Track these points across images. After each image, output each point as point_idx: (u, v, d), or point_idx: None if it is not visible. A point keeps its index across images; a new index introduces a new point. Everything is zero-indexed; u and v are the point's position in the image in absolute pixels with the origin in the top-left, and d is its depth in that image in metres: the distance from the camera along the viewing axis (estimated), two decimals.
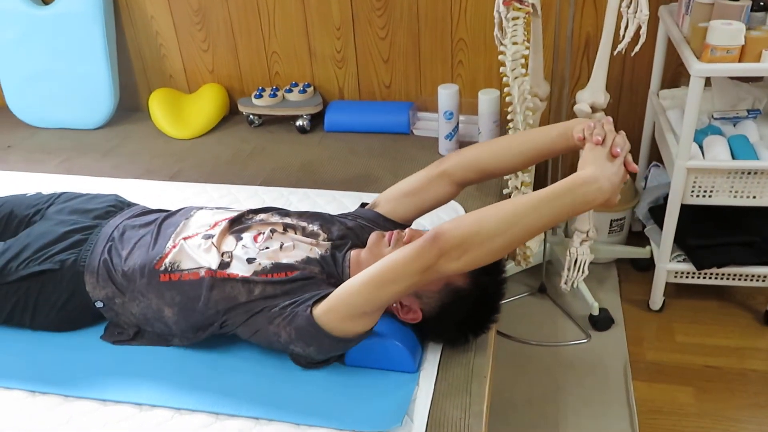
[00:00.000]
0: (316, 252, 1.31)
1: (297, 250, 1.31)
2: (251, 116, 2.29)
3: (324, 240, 1.36)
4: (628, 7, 1.50)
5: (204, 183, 1.95)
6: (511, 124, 1.64)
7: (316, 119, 2.25)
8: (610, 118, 1.18)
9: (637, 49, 1.52)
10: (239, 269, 1.26)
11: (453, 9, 2.08)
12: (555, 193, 1.08)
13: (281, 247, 1.31)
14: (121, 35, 2.37)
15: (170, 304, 1.27)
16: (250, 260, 1.27)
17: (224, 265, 1.27)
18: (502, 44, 1.58)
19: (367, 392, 1.20)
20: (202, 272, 1.26)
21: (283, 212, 1.43)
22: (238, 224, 1.38)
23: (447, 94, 1.94)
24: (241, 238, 1.33)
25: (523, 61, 1.56)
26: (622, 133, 1.15)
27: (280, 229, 1.36)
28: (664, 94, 1.97)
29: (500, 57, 1.57)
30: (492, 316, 1.29)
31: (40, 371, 1.29)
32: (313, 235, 1.37)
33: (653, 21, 1.93)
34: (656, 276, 1.90)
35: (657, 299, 1.95)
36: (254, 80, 2.36)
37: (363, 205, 1.49)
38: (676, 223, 1.77)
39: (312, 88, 2.28)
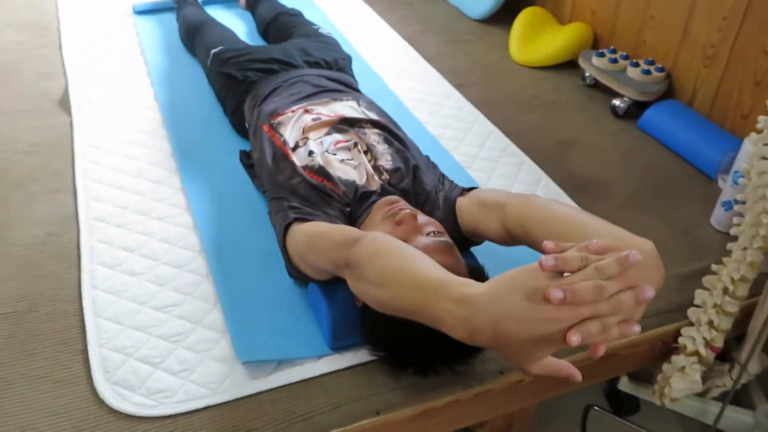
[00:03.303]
0: (364, 182, 1.23)
1: (354, 170, 1.25)
2: (587, 73, 2.02)
3: (383, 179, 1.24)
4: None
5: (466, 105, 1.88)
6: (734, 230, 1.10)
7: (639, 109, 1.84)
8: (638, 254, 0.64)
9: None
10: (298, 157, 1.28)
11: None
12: (428, 281, 0.76)
13: (343, 160, 1.26)
14: None
15: (259, 150, 1.39)
16: (311, 153, 1.27)
17: (295, 147, 1.31)
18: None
19: (287, 324, 1.15)
20: (280, 142, 1.33)
21: (390, 140, 1.33)
22: (344, 125, 1.36)
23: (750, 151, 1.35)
24: (329, 135, 1.32)
25: None
26: (622, 284, 0.64)
27: (363, 147, 1.29)
28: None
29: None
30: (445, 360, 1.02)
31: (188, 143, 1.61)
32: (379, 170, 1.26)
33: None
34: None
35: None
36: (622, 39, 2.03)
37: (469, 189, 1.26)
38: None
39: (664, 73, 1.85)
